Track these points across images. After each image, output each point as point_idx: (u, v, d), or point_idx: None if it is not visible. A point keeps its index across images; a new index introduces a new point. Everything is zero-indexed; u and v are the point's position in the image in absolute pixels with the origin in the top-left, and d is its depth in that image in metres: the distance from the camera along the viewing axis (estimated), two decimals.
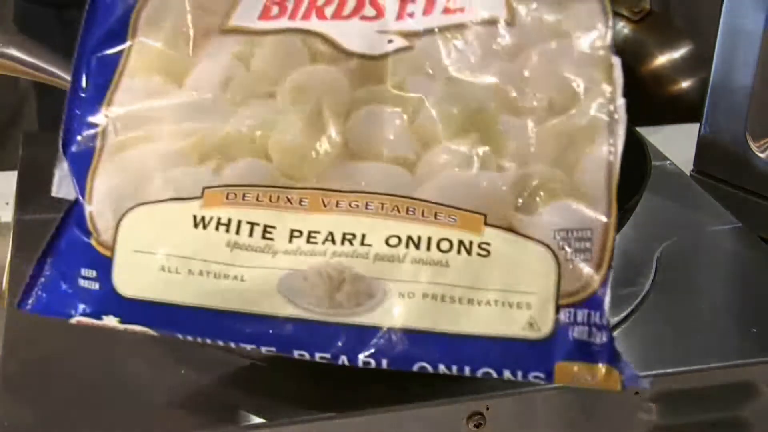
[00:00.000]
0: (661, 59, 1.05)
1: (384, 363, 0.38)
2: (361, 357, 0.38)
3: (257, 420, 0.43)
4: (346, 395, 0.44)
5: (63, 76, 0.60)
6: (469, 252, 0.38)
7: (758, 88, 0.65)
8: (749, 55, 0.65)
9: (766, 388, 0.50)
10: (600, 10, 0.40)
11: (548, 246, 0.38)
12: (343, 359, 0.39)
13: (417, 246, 0.39)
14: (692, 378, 0.48)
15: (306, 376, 0.44)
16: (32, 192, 0.67)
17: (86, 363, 0.50)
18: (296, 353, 0.39)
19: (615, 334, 0.39)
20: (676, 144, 0.44)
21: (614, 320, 0.49)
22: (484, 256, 0.38)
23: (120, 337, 0.48)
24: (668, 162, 0.67)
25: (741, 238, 0.61)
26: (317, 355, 0.39)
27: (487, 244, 0.38)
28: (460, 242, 0.38)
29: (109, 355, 0.50)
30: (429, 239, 0.39)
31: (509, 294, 0.38)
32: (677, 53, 1.07)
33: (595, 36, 0.40)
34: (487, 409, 0.44)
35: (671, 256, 0.56)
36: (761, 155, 0.66)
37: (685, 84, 1.05)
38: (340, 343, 0.38)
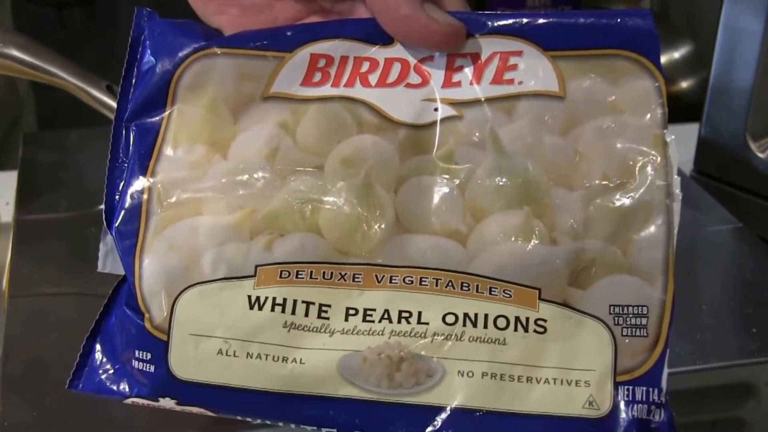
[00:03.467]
0: (661, 59, 1.05)
1: None
2: None
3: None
4: None
5: (63, 76, 0.60)
6: (526, 329, 0.38)
7: (758, 88, 0.65)
8: (749, 55, 0.65)
9: (766, 388, 0.50)
10: (654, 88, 0.40)
11: (604, 322, 0.38)
12: None
13: (474, 324, 0.38)
14: (692, 378, 0.49)
15: None
16: (32, 192, 0.67)
17: None
18: None
19: None
20: (676, 144, 0.43)
21: None
22: (540, 333, 0.38)
23: None
24: None
25: (741, 238, 0.61)
26: None
27: (543, 320, 0.38)
28: (517, 319, 0.38)
29: None
30: (486, 316, 0.38)
31: (568, 372, 0.38)
32: (677, 53, 1.07)
33: (648, 114, 0.40)
34: None
35: None
36: (761, 155, 0.66)
37: (684, 84, 1.05)
38: (400, 423, 0.38)
